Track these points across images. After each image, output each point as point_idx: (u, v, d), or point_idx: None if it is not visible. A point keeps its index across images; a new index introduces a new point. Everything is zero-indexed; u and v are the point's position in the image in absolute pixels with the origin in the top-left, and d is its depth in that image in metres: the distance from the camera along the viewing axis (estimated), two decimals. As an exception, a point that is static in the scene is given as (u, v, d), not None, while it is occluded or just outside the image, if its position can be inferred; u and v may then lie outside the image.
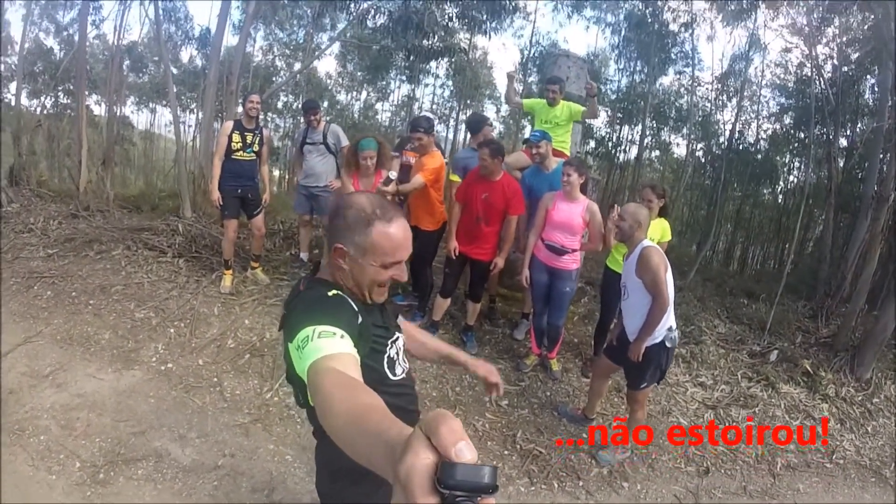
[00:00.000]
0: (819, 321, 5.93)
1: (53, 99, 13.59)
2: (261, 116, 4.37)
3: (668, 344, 2.78)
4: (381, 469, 0.57)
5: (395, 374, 1.32)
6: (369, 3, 10.01)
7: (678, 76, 13.93)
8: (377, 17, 10.11)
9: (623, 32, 13.38)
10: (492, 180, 3.65)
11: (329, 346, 0.98)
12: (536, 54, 13.78)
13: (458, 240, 3.80)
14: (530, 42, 14.34)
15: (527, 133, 5.49)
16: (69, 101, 12.92)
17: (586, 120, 4.70)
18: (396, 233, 1.17)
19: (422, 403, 3.27)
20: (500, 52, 35.67)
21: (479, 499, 0.45)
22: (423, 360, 1.62)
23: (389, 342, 1.30)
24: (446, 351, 1.62)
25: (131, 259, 4.63)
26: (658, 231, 3.62)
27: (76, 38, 10.06)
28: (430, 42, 10.67)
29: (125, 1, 9.36)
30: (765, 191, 13.65)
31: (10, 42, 12.67)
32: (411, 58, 11.45)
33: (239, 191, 4.20)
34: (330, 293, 1.17)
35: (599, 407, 3.52)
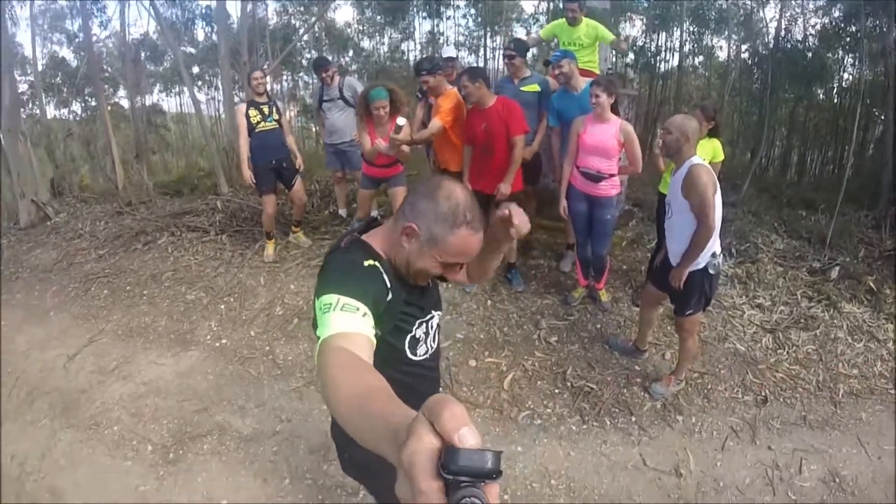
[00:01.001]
0: (883, 232, 5.44)
1: (82, 104, 14.05)
2: (275, 87, 4.38)
3: (710, 271, 2.61)
4: (385, 453, 0.57)
5: (415, 354, 1.29)
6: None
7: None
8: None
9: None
10: (486, 108, 3.47)
11: (347, 323, 0.96)
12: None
13: (471, 178, 3.67)
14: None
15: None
16: (96, 103, 13.38)
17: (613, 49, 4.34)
18: (474, 243, 1.15)
19: (470, 348, 3.36)
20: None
21: (482, 484, 0.44)
22: (487, 272, 1.46)
23: (418, 321, 1.26)
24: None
25: (177, 244, 4.83)
26: (709, 151, 3.39)
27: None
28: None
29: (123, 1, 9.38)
30: (819, 91, 12.42)
31: (26, 61, 13.16)
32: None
33: (273, 162, 4.27)
34: (366, 262, 1.12)
35: (651, 337, 3.42)
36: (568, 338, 3.55)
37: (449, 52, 4.56)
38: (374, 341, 0.99)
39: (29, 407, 3.09)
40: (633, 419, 2.91)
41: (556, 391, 3.11)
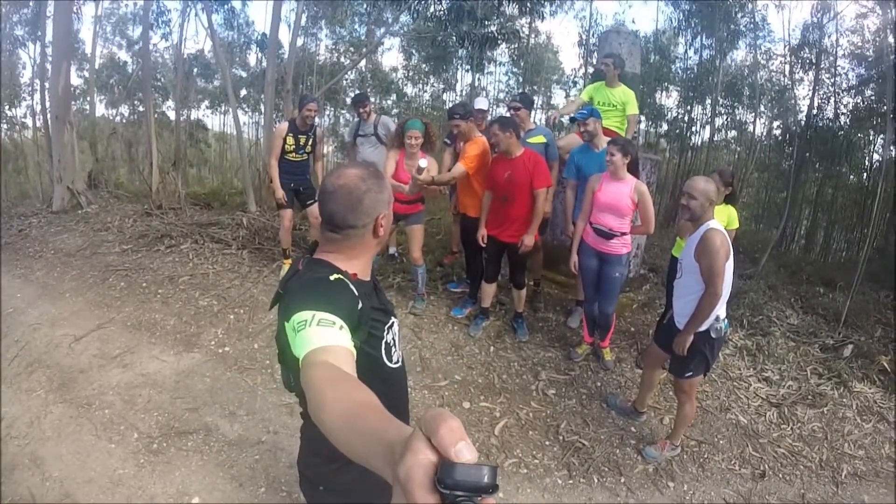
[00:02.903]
0: (902, 313, 5.32)
1: (131, 107, 14.81)
2: (317, 119, 4.56)
3: (713, 334, 2.57)
4: (379, 469, 0.57)
5: (391, 361, 1.29)
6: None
7: (750, 50, 12.89)
8: (434, 6, 10.15)
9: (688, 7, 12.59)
10: (512, 158, 3.56)
11: (326, 337, 0.96)
12: (594, 35, 13.31)
13: (489, 224, 3.74)
14: (588, 23, 13.88)
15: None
16: (144, 109, 14.13)
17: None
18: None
19: (466, 391, 3.34)
20: (566, 35, 34.60)
21: (479, 498, 0.45)
22: None
23: (386, 327, 1.27)
24: None
25: (198, 252, 4.97)
26: (724, 218, 3.40)
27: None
28: (486, 29, 10.53)
29: (184, 14, 10.11)
30: (848, 171, 12.31)
31: (84, 58, 14.07)
32: (465, 45, 11.38)
33: (292, 185, 4.46)
34: (332, 277, 1.13)
35: (651, 400, 3.36)
36: (566, 392, 3.51)
37: (481, 103, 4.72)
38: (355, 353, 0.99)
39: (27, 377, 3.18)
40: (623, 480, 2.83)
41: (547, 443, 3.05)
